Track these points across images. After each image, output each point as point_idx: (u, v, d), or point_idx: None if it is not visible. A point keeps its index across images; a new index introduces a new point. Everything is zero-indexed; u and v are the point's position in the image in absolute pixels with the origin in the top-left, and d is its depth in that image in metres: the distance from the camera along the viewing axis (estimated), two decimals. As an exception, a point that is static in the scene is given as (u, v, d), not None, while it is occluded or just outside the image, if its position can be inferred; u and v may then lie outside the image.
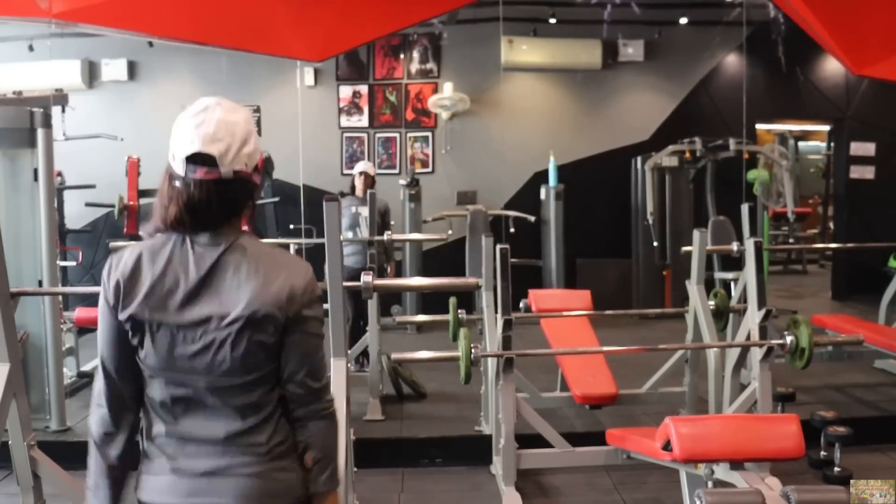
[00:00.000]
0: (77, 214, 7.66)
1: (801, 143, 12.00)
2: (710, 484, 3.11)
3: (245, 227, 1.75)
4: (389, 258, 6.36)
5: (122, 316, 1.64)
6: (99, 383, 1.70)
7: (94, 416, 1.71)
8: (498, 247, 3.92)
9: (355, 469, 3.15)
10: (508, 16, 7.38)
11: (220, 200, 1.65)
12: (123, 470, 1.74)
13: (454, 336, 4.73)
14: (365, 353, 5.58)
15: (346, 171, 8.22)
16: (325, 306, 2.14)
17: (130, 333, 1.65)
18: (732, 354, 4.14)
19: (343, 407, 2.85)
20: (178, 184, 1.64)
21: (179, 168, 1.64)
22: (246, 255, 1.67)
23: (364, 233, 6.05)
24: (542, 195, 8.32)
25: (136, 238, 5.76)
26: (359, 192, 6.29)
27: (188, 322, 1.63)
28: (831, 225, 10.68)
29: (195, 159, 1.62)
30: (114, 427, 1.70)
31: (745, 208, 5.26)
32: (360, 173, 6.35)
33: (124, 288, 1.64)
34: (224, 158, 1.63)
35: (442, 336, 5.60)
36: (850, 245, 7.97)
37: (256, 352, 1.65)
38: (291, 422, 1.74)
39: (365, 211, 6.10)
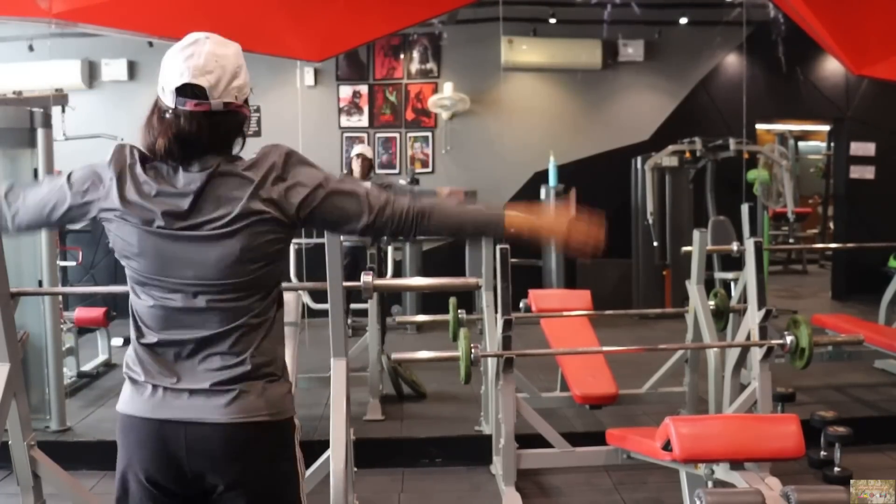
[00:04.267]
0: (77, 214, 7.66)
1: (801, 143, 12.00)
2: (710, 484, 3.11)
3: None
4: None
5: (107, 211, 1.67)
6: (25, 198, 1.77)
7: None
8: (498, 247, 3.92)
9: (355, 469, 3.15)
10: (508, 16, 7.38)
11: (211, 132, 1.65)
12: None
13: (454, 336, 4.73)
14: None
15: (345, 172, 8.23)
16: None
17: (116, 239, 1.68)
18: (732, 354, 4.14)
19: (343, 407, 2.86)
20: (168, 115, 1.64)
21: (169, 100, 1.64)
22: (233, 170, 1.67)
23: None
24: (542, 195, 8.31)
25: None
26: (356, 175, 6.23)
27: (183, 234, 1.64)
28: (831, 225, 10.69)
29: (185, 91, 1.63)
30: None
31: (745, 208, 5.27)
32: (358, 155, 6.26)
33: (121, 189, 1.65)
34: (214, 90, 1.63)
35: (442, 336, 5.60)
36: (850, 245, 7.97)
37: (249, 254, 1.65)
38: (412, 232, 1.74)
39: None
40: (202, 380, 1.68)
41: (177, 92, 1.63)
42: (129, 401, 1.72)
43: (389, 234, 1.77)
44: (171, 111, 1.64)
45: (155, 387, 1.69)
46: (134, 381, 1.72)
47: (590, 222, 1.87)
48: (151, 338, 1.71)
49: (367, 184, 1.76)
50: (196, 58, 1.63)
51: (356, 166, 6.22)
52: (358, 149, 6.37)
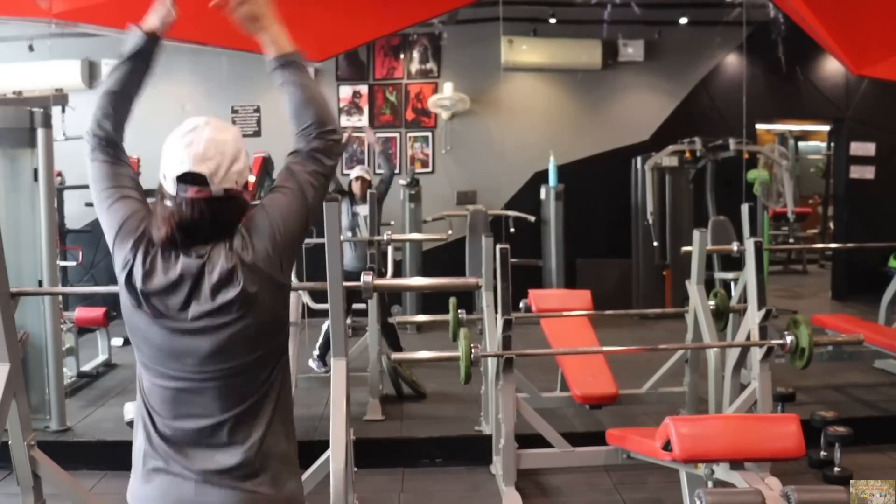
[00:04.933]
0: (77, 214, 7.65)
1: (801, 143, 12.00)
2: (710, 484, 3.12)
3: None
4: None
5: (131, 285, 1.66)
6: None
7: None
8: (498, 247, 3.92)
9: (355, 469, 3.14)
10: (508, 16, 7.37)
11: (212, 219, 1.66)
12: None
13: (454, 336, 4.73)
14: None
15: (345, 171, 8.22)
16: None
17: (129, 302, 1.68)
18: (732, 354, 4.14)
19: (343, 407, 2.86)
20: (168, 203, 1.65)
21: (171, 188, 1.65)
22: (227, 244, 1.67)
23: (364, 234, 6.03)
24: (542, 195, 8.31)
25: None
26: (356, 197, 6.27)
27: (185, 318, 1.64)
28: (831, 225, 10.69)
29: (186, 178, 1.63)
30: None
31: (745, 208, 5.26)
32: (357, 178, 6.32)
33: (142, 267, 1.66)
34: (214, 177, 1.64)
35: (442, 336, 5.61)
36: (850, 245, 7.97)
37: (248, 330, 1.65)
38: None
39: (363, 210, 6.07)
40: (207, 469, 1.66)
41: (178, 180, 1.64)
42: (135, 492, 1.71)
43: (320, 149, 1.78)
44: (172, 199, 1.65)
45: (162, 475, 1.68)
46: (139, 471, 1.71)
47: None
48: (155, 425, 1.70)
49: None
50: (196, 145, 1.64)
51: (356, 188, 6.26)
52: (357, 171, 6.41)
